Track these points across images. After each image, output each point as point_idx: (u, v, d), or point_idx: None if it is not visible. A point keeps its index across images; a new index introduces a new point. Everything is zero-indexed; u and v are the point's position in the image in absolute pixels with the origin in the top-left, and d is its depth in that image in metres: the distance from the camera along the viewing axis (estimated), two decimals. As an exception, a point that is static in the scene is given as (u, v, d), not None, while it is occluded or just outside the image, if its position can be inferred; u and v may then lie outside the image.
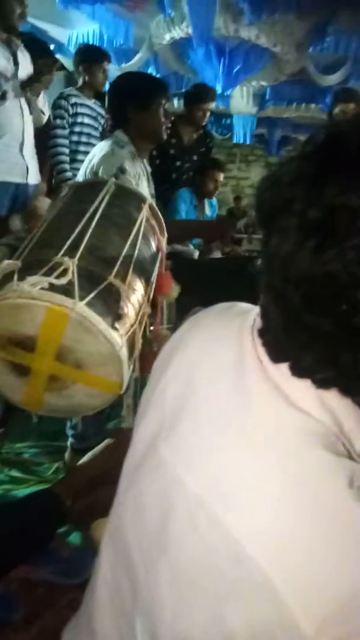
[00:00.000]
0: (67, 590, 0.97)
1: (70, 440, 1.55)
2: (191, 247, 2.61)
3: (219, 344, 0.52)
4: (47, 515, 1.02)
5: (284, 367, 0.45)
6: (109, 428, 1.64)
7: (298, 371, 0.44)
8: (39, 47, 3.00)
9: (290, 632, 0.36)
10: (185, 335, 0.58)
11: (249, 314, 0.53)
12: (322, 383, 0.43)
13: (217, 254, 2.78)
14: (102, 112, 3.31)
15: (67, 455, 1.56)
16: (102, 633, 0.53)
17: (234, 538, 0.40)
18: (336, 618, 0.36)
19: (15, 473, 1.50)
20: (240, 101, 5.15)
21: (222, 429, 0.45)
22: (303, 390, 0.44)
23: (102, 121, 3.31)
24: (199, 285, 1.69)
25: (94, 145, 3.08)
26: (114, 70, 4.25)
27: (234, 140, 5.97)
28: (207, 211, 3.20)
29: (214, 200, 3.33)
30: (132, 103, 1.79)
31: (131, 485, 0.53)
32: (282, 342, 0.44)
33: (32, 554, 0.99)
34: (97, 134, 3.24)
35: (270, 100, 5.32)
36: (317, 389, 0.43)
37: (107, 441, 1.25)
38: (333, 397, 0.44)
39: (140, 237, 1.24)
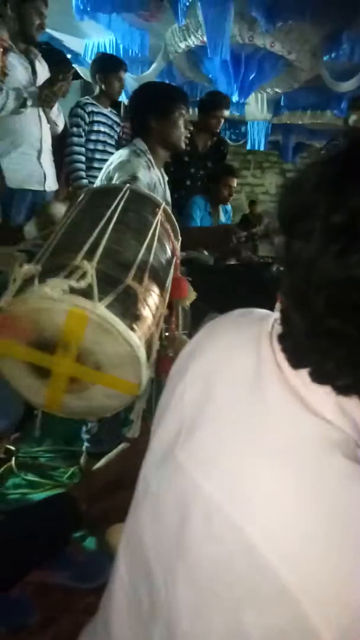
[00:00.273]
0: (83, 595, 0.97)
1: (85, 444, 1.55)
2: (205, 253, 2.61)
3: (237, 351, 0.52)
4: (63, 519, 1.02)
5: (303, 374, 0.45)
6: (125, 433, 1.64)
7: (318, 377, 0.44)
8: (56, 57, 3.06)
9: (306, 634, 0.36)
10: (202, 342, 0.58)
11: (267, 320, 0.53)
12: (342, 389, 0.43)
13: (232, 260, 2.78)
14: (118, 120, 3.35)
15: (82, 459, 1.57)
16: (119, 638, 0.53)
17: (252, 544, 0.39)
18: (356, 628, 0.35)
19: (31, 477, 1.50)
20: (255, 108, 5.17)
21: (240, 435, 0.45)
22: (323, 396, 0.43)
23: (118, 130, 3.35)
24: (214, 292, 1.69)
25: (110, 153, 3.13)
26: (130, 80, 4.31)
27: (249, 147, 5.97)
28: (222, 217, 3.20)
29: (229, 206, 3.34)
30: (153, 112, 1.82)
31: (149, 490, 0.53)
32: (303, 347, 0.44)
33: (48, 557, 0.99)
34: (113, 142, 3.27)
35: (285, 107, 5.33)
36: (337, 395, 0.43)
37: (122, 445, 1.25)
38: (353, 404, 0.43)
39: (155, 241, 1.25)
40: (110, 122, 3.24)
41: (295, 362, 0.45)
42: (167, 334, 1.32)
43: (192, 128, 1.92)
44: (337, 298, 0.39)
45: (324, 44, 3.90)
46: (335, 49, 3.77)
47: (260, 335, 0.51)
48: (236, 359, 0.51)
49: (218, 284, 1.94)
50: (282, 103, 5.34)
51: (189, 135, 1.90)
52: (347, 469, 0.40)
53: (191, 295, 1.35)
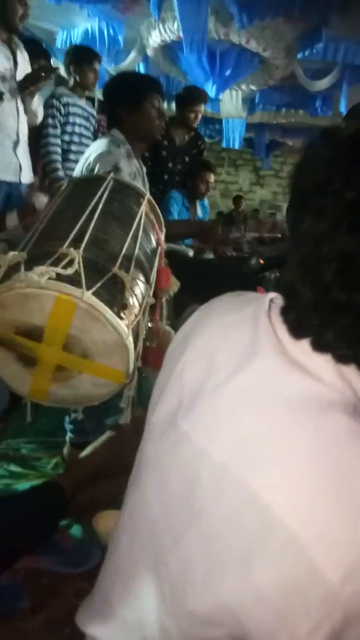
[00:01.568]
0: (72, 580, 0.97)
1: (69, 435, 1.54)
2: (183, 246, 2.63)
3: (235, 327, 0.54)
4: (51, 506, 1.02)
5: (303, 344, 0.46)
6: (109, 423, 1.64)
7: (319, 347, 0.45)
8: (36, 48, 3.02)
9: (318, 583, 0.38)
10: (199, 323, 0.59)
11: (262, 299, 0.55)
12: (342, 358, 0.45)
13: (209, 254, 2.80)
14: (94, 112, 3.33)
15: (65, 450, 1.56)
16: (119, 611, 0.54)
17: (260, 498, 0.41)
18: None
19: (14, 468, 1.49)
20: (230, 105, 5.20)
21: (242, 400, 0.47)
22: (322, 364, 0.45)
23: (94, 121, 3.32)
24: (195, 284, 1.70)
25: (86, 145, 3.10)
26: (109, 70, 4.28)
27: (224, 145, 6.01)
28: (199, 212, 3.22)
29: (206, 201, 3.36)
30: (122, 104, 1.79)
31: (151, 466, 0.54)
32: (306, 318, 0.46)
33: (36, 545, 0.99)
34: (89, 134, 3.24)
35: (260, 104, 5.38)
36: (337, 363, 0.45)
37: (107, 434, 1.25)
38: (352, 371, 0.45)
39: (140, 231, 1.25)
40: (86, 114, 3.21)
41: (297, 333, 0.47)
42: (150, 324, 1.33)
43: (167, 118, 1.88)
44: (346, 271, 0.41)
45: (298, 42, 3.95)
46: (309, 47, 3.82)
47: (257, 312, 0.53)
48: (234, 335, 0.53)
49: (197, 277, 1.96)
50: (256, 101, 5.39)
51: (163, 125, 1.86)
52: (346, 425, 0.42)
53: (175, 285, 1.37)
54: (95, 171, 1.69)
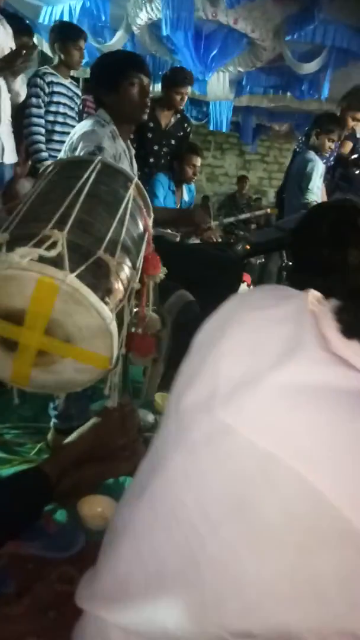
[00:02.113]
0: (56, 564, 0.97)
1: (53, 420, 1.53)
2: (169, 231, 2.60)
3: (278, 323, 0.54)
4: (35, 492, 1.01)
5: (353, 344, 0.47)
6: (94, 408, 1.64)
7: None
8: (19, 25, 2.92)
9: None
10: (236, 314, 0.58)
11: (303, 297, 0.55)
12: None
13: (195, 239, 2.78)
14: (79, 92, 3.25)
15: (49, 435, 1.55)
16: (142, 605, 0.52)
17: (314, 488, 0.41)
18: None
19: (-3, 453, 1.48)
20: (217, 87, 5.14)
21: (288, 392, 0.47)
22: None
23: (79, 101, 3.25)
24: (181, 270, 1.69)
25: (70, 126, 3.04)
26: (97, 48, 4.17)
27: (211, 127, 5.95)
28: (185, 196, 3.19)
29: (192, 185, 3.32)
30: (103, 86, 1.75)
31: (181, 455, 0.52)
32: None
33: (21, 530, 0.99)
34: (73, 114, 3.18)
35: (247, 86, 5.32)
36: None
37: (93, 420, 1.25)
38: None
39: (127, 215, 1.23)
40: (70, 94, 3.14)
41: (350, 333, 0.48)
42: (136, 309, 1.32)
43: (150, 95, 1.82)
44: None
45: (287, 24, 3.90)
46: (298, 29, 3.77)
47: (300, 308, 0.53)
48: (278, 329, 0.52)
49: (183, 262, 1.94)
50: (243, 83, 5.33)
51: (147, 104, 1.79)
52: None
53: (162, 271, 1.35)
54: (78, 150, 1.65)
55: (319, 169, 3.01)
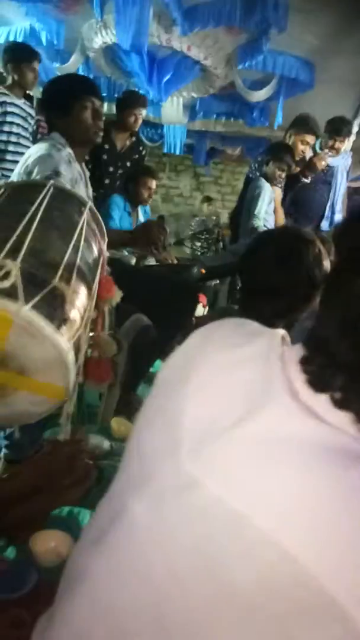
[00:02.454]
0: (8, 606, 0.92)
1: (3, 451, 1.47)
2: (126, 253, 2.60)
3: (245, 365, 0.52)
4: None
5: (322, 398, 0.45)
6: (46, 436, 1.59)
7: (341, 404, 0.44)
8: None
9: None
10: (202, 351, 0.56)
11: (273, 337, 0.54)
12: None
13: (151, 261, 2.79)
14: (32, 112, 3.23)
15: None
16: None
17: (291, 555, 0.38)
18: None
19: None
20: (171, 111, 5.22)
21: (258, 446, 0.44)
22: (342, 418, 0.44)
23: (32, 122, 3.22)
24: (137, 292, 1.68)
25: (24, 146, 3.01)
26: (53, 69, 4.16)
27: (165, 150, 6.03)
28: (141, 217, 3.20)
29: (147, 207, 3.35)
30: (54, 109, 1.74)
31: (146, 506, 0.49)
32: (332, 374, 0.45)
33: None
34: (27, 134, 3.15)
35: (200, 111, 5.44)
36: (357, 421, 0.44)
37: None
38: None
39: (82, 241, 1.22)
40: (24, 114, 3.11)
41: (317, 386, 0.46)
42: (91, 334, 1.29)
43: (103, 118, 1.82)
44: None
45: (238, 53, 4.03)
46: (249, 58, 3.90)
47: (268, 350, 0.51)
48: (245, 373, 0.50)
49: (139, 285, 1.94)
50: (197, 108, 5.45)
51: (101, 127, 1.79)
52: None
53: (117, 295, 1.34)
54: (34, 174, 1.63)
55: (265, 195, 3.09)
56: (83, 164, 1.87)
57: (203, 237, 6.32)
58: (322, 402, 0.45)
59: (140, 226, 2.17)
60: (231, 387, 0.50)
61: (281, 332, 0.53)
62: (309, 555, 0.38)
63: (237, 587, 0.40)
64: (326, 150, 3.40)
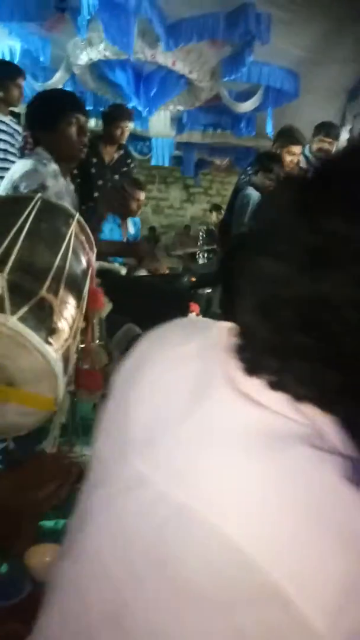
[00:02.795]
0: (2, 618, 0.91)
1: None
2: (117, 264, 2.61)
3: (185, 361, 0.52)
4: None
5: (256, 381, 0.45)
6: (40, 448, 1.57)
7: (276, 386, 0.44)
8: None
9: (303, 632, 0.36)
10: (148, 353, 0.57)
11: (211, 330, 0.54)
12: (300, 397, 0.44)
13: (142, 272, 2.80)
14: (19, 128, 3.25)
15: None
16: None
17: (234, 543, 0.39)
18: (346, 610, 0.35)
19: None
20: (158, 124, 5.28)
21: (197, 438, 0.45)
22: (279, 400, 0.44)
23: (19, 138, 3.25)
24: (128, 302, 1.68)
25: (10, 162, 3.02)
26: (36, 87, 4.20)
27: (153, 163, 6.09)
28: (131, 229, 3.22)
29: (137, 219, 3.37)
30: (38, 125, 1.75)
31: (100, 510, 0.50)
32: (263, 359, 0.45)
33: None
34: (14, 150, 3.17)
35: (187, 124, 5.51)
36: (294, 401, 0.44)
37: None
38: (310, 407, 0.44)
39: (70, 252, 1.22)
40: (10, 130, 3.14)
41: (252, 372, 0.46)
42: (82, 345, 1.30)
43: (89, 134, 1.84)
44: (308, 315, 0.41)
45: (222, 66, 4.09)
46: (234, 71, 3.96)
47: (205, 345, 0.52)
48: (185, 368, 0.51)
49: (130, 295, 1.94)
50: (184, 121, 5.52)
51: (86, 142, 1.81)
52: (308, 455, 0.41)
53: (107, 306, 1.34)
54: (22, 189, 1.64)
55: (253, 204, 3.12)
56: (68, 178, 1.88)
57: (212, 247, 6.31)
58: (258, 387, 0.45)
59: (132, 246, 2.18)
60: (175, 384, 0.50)
61: (228, 324, 0.52)
62: (253, 544, 0.38)
63: (184, 578, 0.41)
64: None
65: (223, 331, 0.52)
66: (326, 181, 0.44)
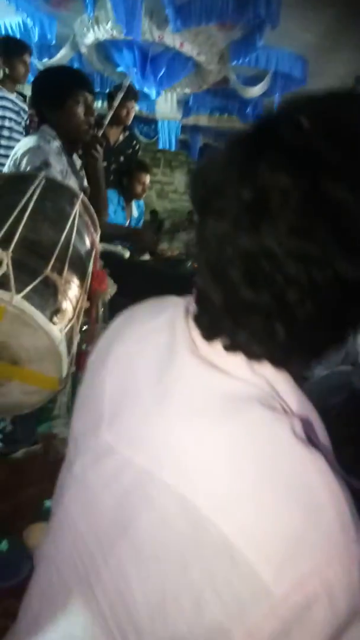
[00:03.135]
0: (1, 596, 0.92)
1: (-3, 445, 1.47)
2: (120, 247, 2.59)
3: (153, 334, 0.53)
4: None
5: (216, 346, 0.47)
6: (41, 431, 1.58)
7: (232, 347, 0.46)
8: None
9: (251, 583, 0.37)
10: (120, 331, 0.58)
11: (180, 304, 0.55)
12: (254, 356, 0.46)
13: (146, 256, 2.79)
14: (25, 107, 3.21)
15: (-6, 461, 1.48)
16: (48, 634, 0.51)
17: (189, 502, 0.40)
18: (291, 560, 0.37)
19: None
20: (165, 107, 5.21)
21: (160, 405, 0.46)
22: (236, 362, 0.46)
23: (25, 116, 3.21)
24: (132, 286, 1.67)
25: (16, 140, 2.99)
26: (39, 66, 4.14)
27: (160, 146, 6.01)
28: (135, 212, 3.19)
29: (141, 202, 3.34)
30: (46, 102, 1.71)
31: (75, 480, 0.52)
32: (218, 321, 0.46)
33: None
34: (20, 128, 3.13)
35: (194, 107, 5.43)
36: (250, 361, 0.46)
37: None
38: (265, 367, 0.46)
39: (74, 232, 1.21)
40: (17, 108, 3.09)
41: (209, 336, 0.47)
42: (85, 327, 1.29)
43: (96, 114, 1.80)
44: (251, 269, 0.41)
45: (232, 49, 4.02)
46: (242, 55, 3.89)
47: (174, 316, 0.53)
48: (153, 341, 0.52)
49: (134, 279, 1.93)
50: (190, 104, 5.43)
51: (91, 123, 1.76)
52: (268, 416, 0.42)
53: (111, 288, 1.34)
54: (24, 166, 1.62)
55: None
56: (74, 157, 1.85)
57: None
58: (218, 352, 0.47)
59: (136, 233, 2.17)
60: (143, 357, 0.52)
61: (190, 297, 0.54)
62: (207, 502, 0.40)
63: (145, 541, 0.43)
64: None
65: (190, 301, 0.53)
66: (261, 137, 0.44)
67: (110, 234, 2.02)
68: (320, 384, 1.94)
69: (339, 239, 0.39)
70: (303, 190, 0.39)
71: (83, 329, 1.27)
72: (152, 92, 4.38)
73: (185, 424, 0.44)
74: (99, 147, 1.81)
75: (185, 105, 5.43)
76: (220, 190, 0.43)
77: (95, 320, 1.33)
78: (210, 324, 0.48)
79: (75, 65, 4.42)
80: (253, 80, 4.42)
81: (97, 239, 1.40)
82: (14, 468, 1.36)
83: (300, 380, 0.48)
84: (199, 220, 0.47)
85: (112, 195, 2.98)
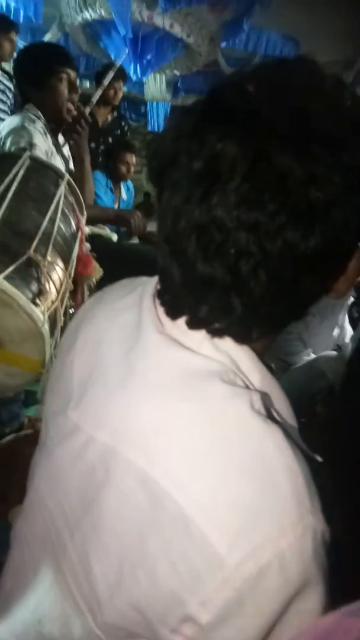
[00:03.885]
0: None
1: (-18, 428, 1.46)
2: (107, 229, 2.57)
3: (121, 313, 0.53)
4: None
5: (180, 323, 0.47)
6: (27, 414, 1.58)
7: (194, 323, 0.46)
8: None
9: (206, 554, 0.37)
10: (89, 312, 0.58)
11: (149, 283, 0.55)
12: (216, 332, 0.46)
13: (134, 239, 2.77)
14: (10, 85, 3.15)
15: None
16: (18, 609, 0.51)
17: (149, 476, 0.41)
18: (245, 531, 0.37)
19: None
20: (154, 88, 5.14)
21: (124, 382, 0.47)
22: (199, 339, 0.46)
23: (11, 95, 3.14)
24: (119, 269, 1.65)
25: (2, 119, 2.92)
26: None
27: (149, 128, 5.94)
28: (124, 195, 3.16)
29: (130, 183, 3.30)
30: (28, 80, 1.67)
31: (44, 459, 0.53)
32: (179, 297, 0.46)
33: None
34: (5, 108, 3.07)
35: (183, 89, 5.37)
36: (212, 338, 0.46)
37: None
38: (227, 343, 0.46)
39: (59, 214, 1.20)
40: (2, 87, 3.04)
41: (172, 313, 0.47)
42: (72, 310, 1.28)
43: (80, 92, 1.76)
44: (204, 241, 0.41)
45: (222, 32, 3.96)
46: (232, 37, 3.84)
47: (142, 295, 0.53)
48: (120, 321, 0.52)
49: (121, 262, 1.92)
50: (179, 85, 5.36)
51: (75, 101, 1.71)
52: (228, 390, 0.42)
53: (97, 272, 1.32)
54: (8, 147, 1.58)
55: None
56: (59, 137, 1.82)
57: None
58: (182, 329, 0.47)
59: (124, 215, 2.13)
60: (110, 336, 0.52)
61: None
62: (166, 476, 0.40)
63: (106, 516, 0.43)
64: None
65: (154, 283, 0.53)
66: (211, 106, 0.43)
67: (97, 216, 1.99)
68: (307, 369, 1.96)
69: (287, 208, 0.39)
70: (250, 159, 0.39)
71: (69, 313, 1.25)
72: (141, 74, 4.30)
73: (145, 400, 0.44)
74: (84, 123, 1.76)
75: (174, 87, 5.37)
76: (173, 162, 0.43)
77: (81, 304, 1.32)
78: (172, 301, 0.47)
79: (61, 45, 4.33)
80: (243, 62, 4.36)
81: (84, 221, 1.39)
82: (1, 452, 1.35)
83: (269, 355, 0.48)
84: (157, 194, 0.46)
85: (100, 177, 2.95)
